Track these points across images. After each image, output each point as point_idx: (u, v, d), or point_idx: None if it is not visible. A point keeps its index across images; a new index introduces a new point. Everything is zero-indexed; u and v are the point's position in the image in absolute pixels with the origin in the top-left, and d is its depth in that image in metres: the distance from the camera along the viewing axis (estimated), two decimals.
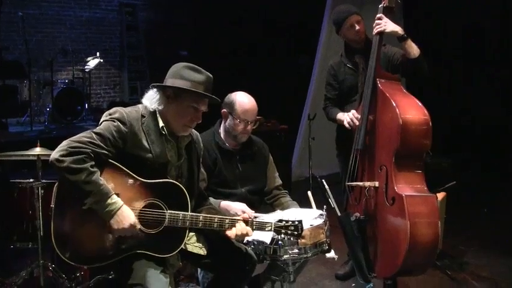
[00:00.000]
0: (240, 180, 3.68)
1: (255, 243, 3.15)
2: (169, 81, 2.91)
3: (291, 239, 2.99)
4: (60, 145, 2.66)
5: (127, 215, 2.69)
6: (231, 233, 2.90)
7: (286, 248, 3.03)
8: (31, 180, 4.01)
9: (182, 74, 2.89)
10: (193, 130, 3.13)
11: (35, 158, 3.93)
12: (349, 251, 3.88)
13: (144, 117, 2.88)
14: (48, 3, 10.35)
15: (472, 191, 6.96)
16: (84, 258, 2.77)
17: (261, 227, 2.97)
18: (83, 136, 2.69)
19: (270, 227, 2.95)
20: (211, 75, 2.97)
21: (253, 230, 2.95)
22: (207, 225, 2.88)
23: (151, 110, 2.90)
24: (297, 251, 3.04)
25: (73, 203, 2.69)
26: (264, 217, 3.28)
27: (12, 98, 8.91)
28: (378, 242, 3.77)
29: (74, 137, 2.69)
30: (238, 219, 2.94)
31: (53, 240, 2.72)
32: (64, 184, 2.73)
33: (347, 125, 3.98)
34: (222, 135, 3.69)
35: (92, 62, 9.92)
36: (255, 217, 3.21)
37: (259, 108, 3.69)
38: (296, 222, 2.93)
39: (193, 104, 2.88)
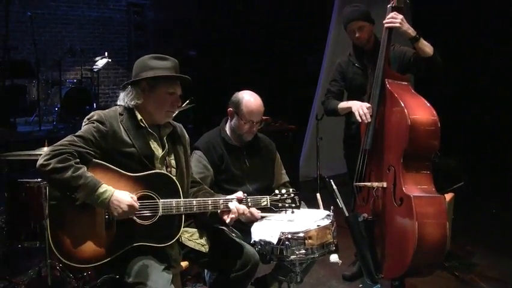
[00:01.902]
0: (248, 176, 3.66)
1: (262, 243, 3.14)
2: (141, 75, 2.96)
3: (292, 211, 3.02)
4: (44, 152, 2.76)
5: (122, 198, 2.71)
6: (227, 213, 2.95)
7: (293, 248, 3.01)
8: (39, 180, 4.04)
9: (150, 65, 2.96)
10: (176, 123, 3.20)
11: None
12: (356, 251, 3.88)
13: (122, 115, 2.94)
14: (57, 3, 10.42)
15: (480, 191, 6.94)
16: (86, 259, 2.77)
17: (257, 203, 3.02)
18: (64, 140, 2.77)
19: (265, 202, 3.00)
20: (176, 60, 3.04)
21: (248, 207, 3.00)
22: (201, 209, 2.93)
23: (128, 107, 2.96)
24: (303, 251, 3.02)
25: (65, 207, 2.73)
26: (271, 217, 3.27)
27: (21, 98, 8.96)
28: (385, 243, 3.76)
29: (57, 142, 2.76)
30: (232, 199, 2.99)
31: (52, 246, 2.74)
32: (54, 190, 2.78)
33: (357, 116, 3.93)
34: (228, 132, 3.69)
35: (101, 62, 9.96)
36: (262, 217, 3.21)
37: (267, 108, 3.68)
38: (292, 195, 2.98)
39: (169, 89, 2.96)
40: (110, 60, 10.14)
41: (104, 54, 10.02)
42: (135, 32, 11.48)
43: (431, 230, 3.49)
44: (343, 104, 4.17)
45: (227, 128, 3.71)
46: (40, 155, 3.85)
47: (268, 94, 4.07)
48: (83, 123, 2.91)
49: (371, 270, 3.64)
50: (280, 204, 2.99)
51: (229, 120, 3.69)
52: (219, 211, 2.99)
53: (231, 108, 3.64)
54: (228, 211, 2.97)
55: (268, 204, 3.00)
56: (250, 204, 3.01)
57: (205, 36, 10.74)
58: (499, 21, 8.22)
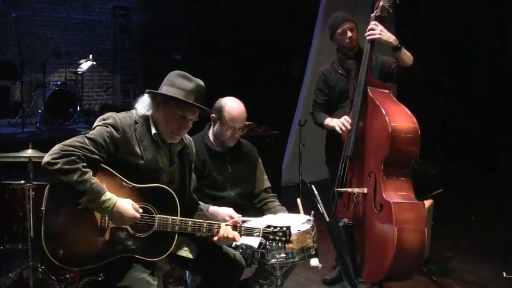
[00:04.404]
0: (230, 182, 3.70)
1: (243, 247, 3.18)
2: (163, 88, 2.95)
3: (279, 244, 3.03)
4: (52, 149, 2.69)
5: (124, 208, 2.71)
6: (218, 237, 2.95)
7: (274, 252, 3.06)
8: (22, 181, 4.02)
9: (173, 82, 2.94)
10: (186, 135, 3.17)
11: (27, 159, 3.94)
12: (337, 256, 3.92)
13: (137, 123, 2.92)
14: (42, 4, 10.35)
15: (458, 198, 7.04)
16: (74, 261, 2.78)
17: (250, 232, 3.01)
18: (75, 140, 2.72)
19: (258, 233, 2.99)
20: (202, 84, 2.99)
21: (241, 235, 3.00)
22: (195, 230, 2.93)
23: (142, 114, 2.94)
24: (284, 255, 3.07)
25: (64, 206, 2.72)
26: (252, 221, 3.31)
27: (4, 99, 8.89)
28: (365, 248, 3.82)
29: (67, 141, 2.72)
30: (227, 225, 2.98)
31: (43, 243, 2.73)
32: (55, 187, 2.75)
33: (338, 130, 4.01)
34: (211, 138, 3.73)
35: (85, 65, 9.91)
36: (243, 221, 3.25)
37: (250, 113, 3.71)
38: (284, 228, 2.97)
39: (178, 111, 2.90)
40: (94, 63, 10.09)
41: (89, 57, 9.99)
42: (120, 35, 11.44)
43: (410, 236, 3.55)
44: (328, 122, 4.27)
45: (210, 134, 3.74)
46: (24, 156, 3.94)
47: (252, 99, 4.11)
48: (96, 123, 2.87)
49: (350, 274, 3.69)
50: (271, 237, 2.99)
51: (212, 126, 3.72)
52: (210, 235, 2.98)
53: (213, 114, 3.67)
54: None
55: (261, 235, 2.99)
56: (243, 233, 3.01)
57: (190, 40, 10.76)
58: (485, 32, 8.35)
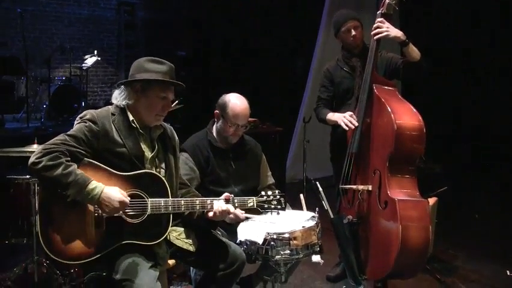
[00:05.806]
0: (233, 178, 3.70)
1: (248, 243, 3.19)
2: (136, 76, 3.00)
3: (278, 213, 3.08)
4: (36, 150, 2.77)
5: (112, 194, 2.75)
6: (213, 212, 3.00)
7: (278, 248, 3.06)
8: (27, 176, 4.04)
9: (146, 68, 3.00)
10: (166, 124, 3.24)
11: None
12: (341, 253, 3.92)
13: (114, 115, 2.97)
14: (47, 0, 10.38)
15: (463, 196, 7.04)
16: (75, 256, 2.80)
17: (243, 203, 3.09)
18: (56, 139, 2.80)
19: (252, 203, 3.05)
20: (172, 65, 3.07)
21: (235, 207, 3.06)
22: (189, 208, 2.99)
23: (121, 106, 3.00)
24: (288, 251, 3.07)
25: (56, 204, 2.76)
26: (255, 218, 3.32)
27: (9, 94, 8.93)
28: (369, 245, 3.82)
29: (48, 141, 2.79)
30: (219, 199, 3.04)
31: (42, 242, 2.76)
32: (45, 187, 2.81)
33: (343, 126, 4.00)
34: (214, 134, 3.73)
35: (90, 60, 9.96)
36: (246, 218, 3.26)
37: (254, 110, 3.71)
38: (278, 196, 3.03)
39: (161, 93, 2.99)
40: (99, 58, 10.15)
41: (94, 53, 10.03)
42: (125, 31, 11.48)
43: (414, 233, 3.54)
44: (330, 117, 4.25)
45: (213, 130, 3.74)
46: (29, 151, 3.95)
47: (256, 96, 4.10)
48: (76, 122, 2.93)
49: (354, 271, 3.68)
50: (266, 206, 3.04)
51: (215, 123, 3.73)
52: (205, 211, 3.03)
53: (217, 111, 3.67)
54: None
55: (255, 205, 3.05)
56: (236, 205, 3.06)
57: (194, 36, 10.77)
58: (490, 28, 8.33)
